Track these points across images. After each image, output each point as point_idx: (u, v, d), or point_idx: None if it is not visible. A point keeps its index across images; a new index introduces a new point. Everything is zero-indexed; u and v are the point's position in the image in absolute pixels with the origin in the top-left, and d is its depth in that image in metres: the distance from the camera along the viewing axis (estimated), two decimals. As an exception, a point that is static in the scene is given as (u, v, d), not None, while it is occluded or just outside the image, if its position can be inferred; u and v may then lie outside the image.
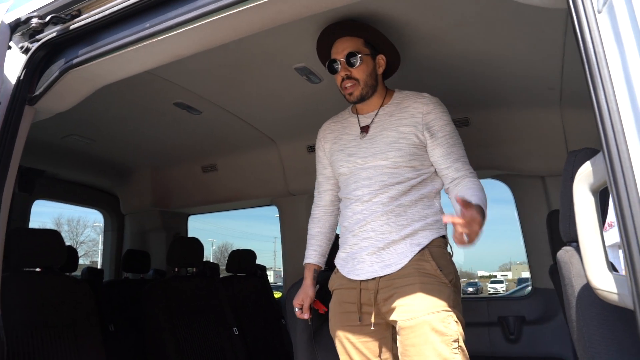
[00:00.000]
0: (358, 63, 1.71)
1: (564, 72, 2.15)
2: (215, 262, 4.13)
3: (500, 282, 39.65)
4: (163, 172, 3.75)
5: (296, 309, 1.85)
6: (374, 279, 1.60)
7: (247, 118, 2.85)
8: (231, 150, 3.32)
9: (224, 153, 3.38)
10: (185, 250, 2.80)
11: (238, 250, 3.36)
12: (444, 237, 1.66)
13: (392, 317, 1.56)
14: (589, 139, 2.49)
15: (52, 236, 1.99)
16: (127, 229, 4.14)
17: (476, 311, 2.83)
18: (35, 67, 1.66)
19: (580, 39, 0.78)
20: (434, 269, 1.57)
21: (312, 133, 3.01)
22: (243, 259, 3.37)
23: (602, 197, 0.87)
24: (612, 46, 0.74)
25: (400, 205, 1.61)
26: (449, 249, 1.66)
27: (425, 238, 1.60)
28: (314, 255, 1.88)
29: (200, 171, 3.57)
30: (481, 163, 2.80)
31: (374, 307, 1.60)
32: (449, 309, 1.51)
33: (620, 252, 0.80)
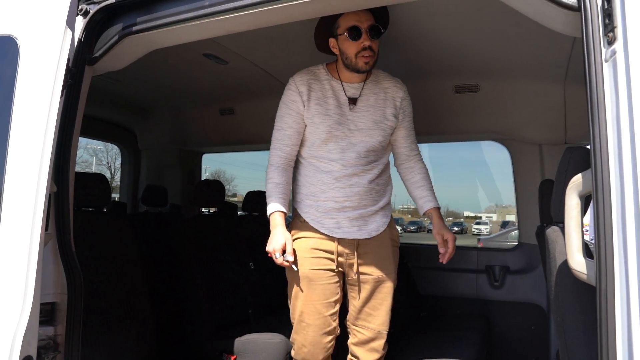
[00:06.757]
0: (378, 37, 1.83)
1: (573, 53, 2.31)
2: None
3: (485, 223, 40.98)
4: (181, 112, 3.91)
5: (277, 255, 1.81)
6: (352, 239, 1.89)
7: (270, 70, 2.99)
8: (251, 97, 3.47)
9: (243, 99, 3.54)
10: (210, 192, 3.06)
11: (254, 191, 3.63)
12: None
13: (365, 270, 1.91)
14: (586, 114, 2.70)
15: (102, 180, 2.24)
16: (143, 164, 4.37)
17: (467, 259, 3.19)
18: (93, 29, 1.80)
19: (587, 80, 0.99)
20: (397, 235, 2.02)
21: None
22: (258, 200, 3.65)
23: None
24: (611, 91, 0.96)
25: (378, 184, 1.92)
26: None
27: (389, 210, 1.99)
28: (283, 203, 1.88)
29: (218, 113, 3.74)
30: (486, 127, 3.03)
31: (355, 259, 1.89)
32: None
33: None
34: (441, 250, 1.89)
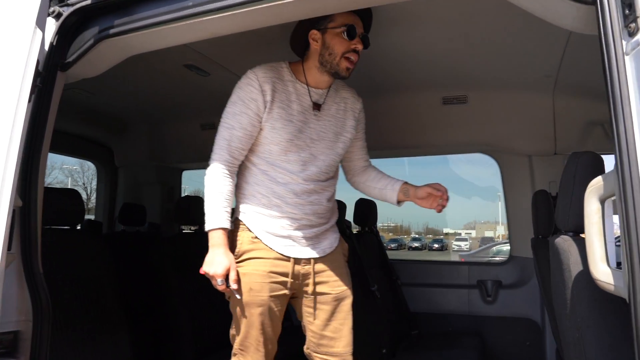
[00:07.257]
0: (366, 47, 1.74)
1: (563, 62, 2.29)
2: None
3: (465, 240, 41.29)
4: (160, 127, 3.77)
5: (219, 282, 1.57)
6: (308, 258, 1.74)
7: None
8: (232, 112, 3.37)
9: None
10: (192, 209, 2.92)
11: (236, 209, 3.50)
12: None
13: (323, 289, 1.76)
14: (576, 124, 2.69)
15: (74, 195, 2.09)
16: (120, 182, 4.19)
17: (458, 275, 3.10)
18: (66, 33, 1.68)
19: (608, 76, 0.92)
20: (347, 249, 1.92)
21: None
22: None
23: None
24: (634, 86, 0.89)
25: (331, 202, 1.82)
26: None
27: (336, 226, 1.90)
28: (227, 218, 1.63)
29: (199, 128, 3.62)
30: (474, 139, 2.99)
31: (312, 279, 1.73)
32: None
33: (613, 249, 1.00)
34: (437, 193, 1.74)
